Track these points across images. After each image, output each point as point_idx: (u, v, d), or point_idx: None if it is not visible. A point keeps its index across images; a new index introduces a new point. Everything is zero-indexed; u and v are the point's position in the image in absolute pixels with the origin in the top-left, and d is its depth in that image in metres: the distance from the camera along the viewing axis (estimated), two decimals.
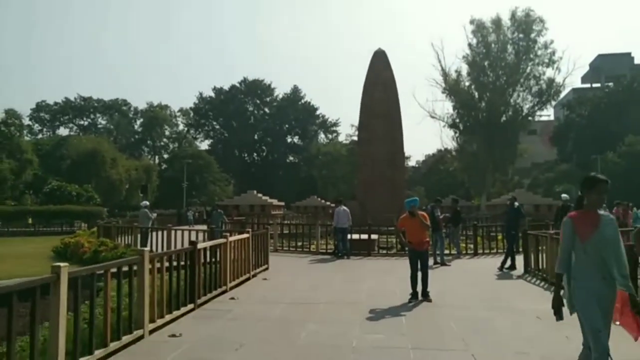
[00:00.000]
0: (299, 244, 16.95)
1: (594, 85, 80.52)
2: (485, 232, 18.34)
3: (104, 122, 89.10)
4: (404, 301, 8.40)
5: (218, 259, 9.04)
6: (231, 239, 9.47)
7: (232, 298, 8.52)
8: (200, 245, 7.96)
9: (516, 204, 12.45)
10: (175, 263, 7.30)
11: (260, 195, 33.80)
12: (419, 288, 8.58)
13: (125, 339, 5.57)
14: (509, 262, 12.39)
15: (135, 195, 43.77)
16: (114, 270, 5.56)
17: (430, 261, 13.63)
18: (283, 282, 10.60)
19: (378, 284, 10.35)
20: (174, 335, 6.09)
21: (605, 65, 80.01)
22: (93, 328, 4.90)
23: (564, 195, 16.46)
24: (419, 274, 8.61)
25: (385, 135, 30.57)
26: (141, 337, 5.87)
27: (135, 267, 6.08)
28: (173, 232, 13.97)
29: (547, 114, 70.76)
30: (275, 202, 33.55)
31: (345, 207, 16.19)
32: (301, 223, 21.56)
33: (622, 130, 52.00)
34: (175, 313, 6.94)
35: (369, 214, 27.81)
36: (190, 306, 7.46)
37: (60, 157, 51.24)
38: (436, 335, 6.31)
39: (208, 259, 8.45)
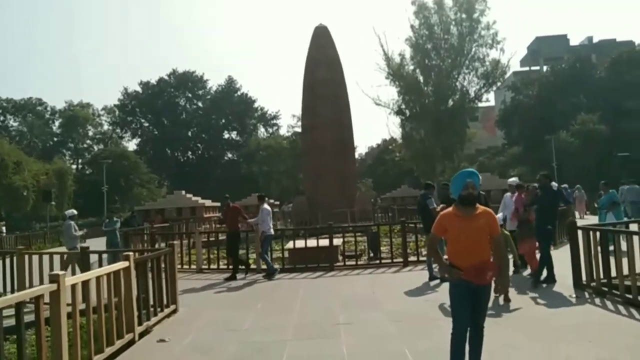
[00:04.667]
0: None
1: (533, 68, 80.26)
2: None
3: (15, 125, 79.69)
4: None
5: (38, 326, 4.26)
6: (71, 281, 4.65)
7: None
8: None
9: (554, 184, 8.31)
10: None
11: (190, 195, 28.59)
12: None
13: None
14: (544, 273, 8.31)
15: (43, 205, 36.99)
16: None
17: (422, 276, 9.40)
18: (195, 348, 5.86)
19: (370, 340, 5.81)
20: None
21: (543, 48, 79.87)
22: None
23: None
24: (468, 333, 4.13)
25: (332, 120, 26.64)
26: None
27: None
28: (27, 257, 8.80)
29: (487, 99, 69.66)
30: (208, 202, 28.47)
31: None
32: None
33: (570, 110, 50.62)
34: None
35: (319, 210, 23.71)
36: None
37: None
38: None
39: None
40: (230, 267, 11.32)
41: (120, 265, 5.93)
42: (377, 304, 7.60)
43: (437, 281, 9.07)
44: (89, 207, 53.17)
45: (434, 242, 4.48)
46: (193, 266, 12.42)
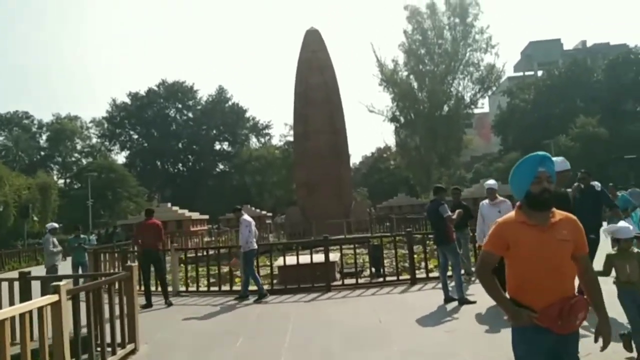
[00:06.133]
0: (216, 271, 10.72)
1: (527, 72, 79.63)
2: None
3: (1, 139, 77.90)
4: None
5: None
6: None
7: None
8: None
9: (597, 184, 6.87)
10: None
11: (176, 208, 27.06)
12: None
13: None
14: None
15: (23, 221, 35.17)
16: None
17: (435, 297, 7.91)
18: None
19: None
20: None
21: (537, 53, 79.34)
22: None
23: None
24: None
25: (325, 126, 25.44)
26: None
27: None
28: None
29: (482, 104, 68.47)
30: (195, 215, 26.92)
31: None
32: (217, 246, 15.29)
33: (567, 114, 49.71)
34: None
35: (313, 221, 22.32)
36: None
37: None
38: None
39: None
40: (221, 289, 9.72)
41: (46, 299, 4.41)
42: (386, 337, 6.09)
43: (455, 303, 7.60)
44: (75, 222, 51.44)
45: (489, 267, 2.71)
46: (169, 290, 10.85)
